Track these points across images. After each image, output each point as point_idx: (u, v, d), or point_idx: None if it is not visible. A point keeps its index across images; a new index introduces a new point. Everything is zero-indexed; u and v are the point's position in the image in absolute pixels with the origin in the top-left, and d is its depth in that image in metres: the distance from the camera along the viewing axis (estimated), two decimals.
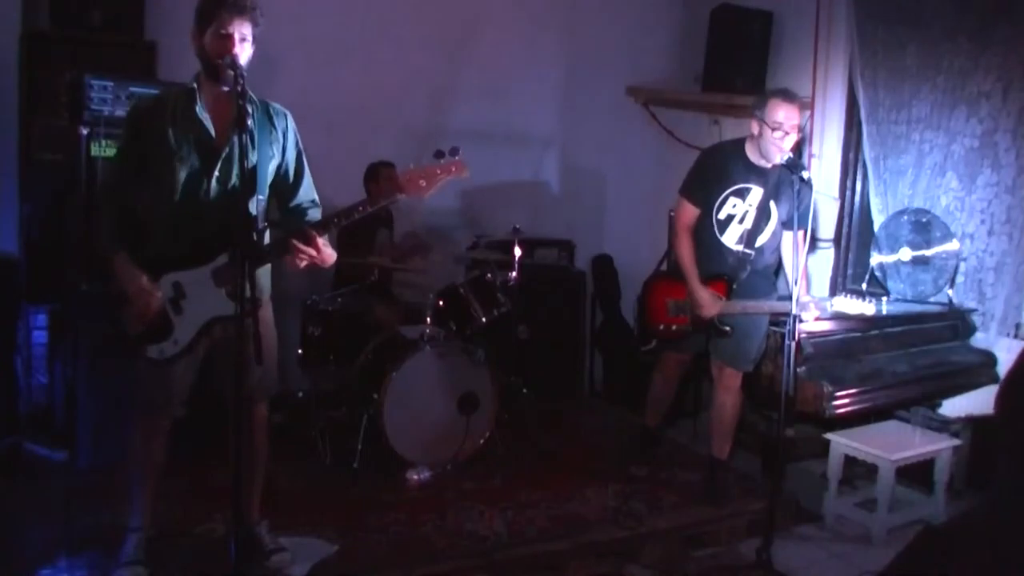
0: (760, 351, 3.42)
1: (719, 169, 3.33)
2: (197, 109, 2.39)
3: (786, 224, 3.26)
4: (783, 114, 3.12)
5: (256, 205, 2.31)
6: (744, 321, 3.31)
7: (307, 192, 2.62)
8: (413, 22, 4.79)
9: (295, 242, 2.33)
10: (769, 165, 3.22)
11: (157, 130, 2.37)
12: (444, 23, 4.90)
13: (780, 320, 3.37)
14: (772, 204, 3.26)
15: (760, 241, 3.30)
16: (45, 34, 3.74)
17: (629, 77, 5.45)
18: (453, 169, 2.40)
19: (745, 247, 3.29)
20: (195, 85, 2.41)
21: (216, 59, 2.30)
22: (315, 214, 2.60)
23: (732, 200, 3.29)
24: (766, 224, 3.29)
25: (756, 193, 3.26)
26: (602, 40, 5.37)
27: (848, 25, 4.55)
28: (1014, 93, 3.81)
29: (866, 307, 3.05)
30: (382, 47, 4.70)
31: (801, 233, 3.04)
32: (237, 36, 2.31)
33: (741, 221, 3.30)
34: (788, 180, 3.13)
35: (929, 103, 4.17)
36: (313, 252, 2.34)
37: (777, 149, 3.12)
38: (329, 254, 2.40)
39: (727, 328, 3.28)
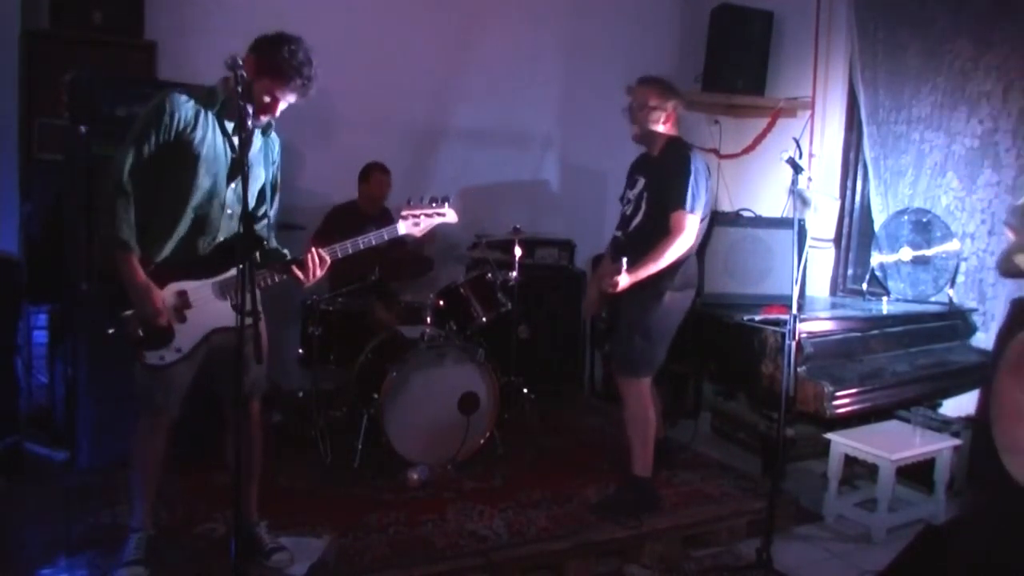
0: (629, 351, 3.23)
1: (630, 168, 3.50)
2: (225, 120, 2.41)
3: (661, 206, 3.18)
4: (629, 96, 3.34)
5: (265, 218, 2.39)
6: (620, 318, 3.29)
7: (274, 214, 2.66)
8: (414, 22, 4.80)
9: (312, 264, 2.47)
10: (655, 153, 3.30)
11: (186, 130, 2.34)
12: (445, 23, 4.90)
13: (781, 320, 3.37)
14: (647, 191, 3.28)
15: (632, 225, 3.30)
16: (45, 34, 3.75)
17: (629, 77, 5.43)
18: (446, 216, 2.71)
19: (623, 233, 3.36)
20: (225, 97, 2.40)
21: (258, 110, 2.36)
22: (272, 237, 2.64)
23: (627, 192, 3.42)
24: (639, 209, 3.29)
25: (640, 182, 3.35)
26: (602, 40, 5.37)
27: (848, 25, 4.55)
28: (1014, 93, 3.81)
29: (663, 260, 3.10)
30: (382, 47, 4.70)
31: (677, 212, 3.10)
32: (283, 103, 2.41)
33: (625, 207, 3.40)
34: (665, 164, 3.23)
35: (929, 103, 4.18)
36: (321, 272, 2.49)
37: (631, 126, 3.30)
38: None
39: (609, 319, 3.46)
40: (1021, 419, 1.60)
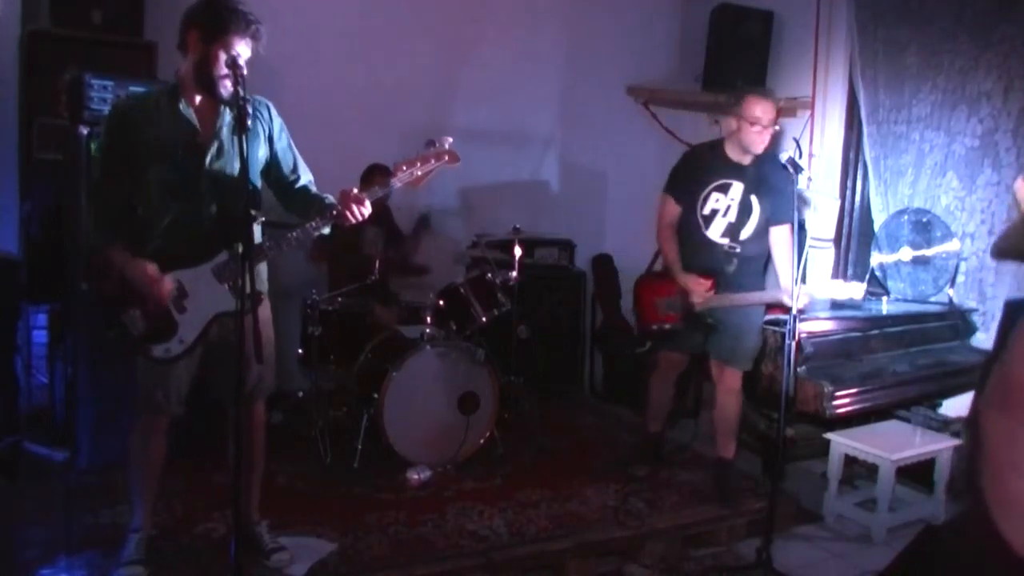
0: (757, 348, 3.43)
1: (700, 167, 3.43)
2: (181, 106, 2.38)
3: (771, 219, 3.34)
4: (760, 110, 3.23)
5: (251, 200, 2.35)
6: (737, 318, 3.33)
7: (306, 175, 2.66)
8: (413, 22, 4.79)
9: (349, 202, 2.42)
10: (747, 161, 3.32)
11: (140, 129, 2.36)
12: (444, 23, 4.90)
13: (781, 320, 3.38)
14: (753, 198, 3.33)
15: (744, 234, 3.35)
16: (45, 34, 3.74)
17: (629, 77, 5.46)
18: (446, 158, 2.52)
19: (730, 240, 3.36)
20: (177, 83, 2.40)
21: (216, 77, 2.31)
22: (315, 190, 2.64)
23: (715, 195, 3.36)
24: (748, 218, 3.34)
25: (737, 188, 3.33)
26: (602, 40, 5.37)
27: (848, 25, 4.55)
28: (1014, 93, 3.81)
29: (855, 289, 3.06)
30: (382, 47, 4.70)
31: (788, 227, 3.25)
32: (242, 58, 2.31)
33: (724, 215, 3.36)
34: (770, 175, 3.27)
35: (929, 103, 4.18)
36: (365, 211, 2.45)
37: (759, 143, 3.26)
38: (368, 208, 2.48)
39: (716, 322, 3.33)
40: (1015, 466, 1.28)
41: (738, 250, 3.35)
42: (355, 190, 2.47)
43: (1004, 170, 3.87)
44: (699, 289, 3.31)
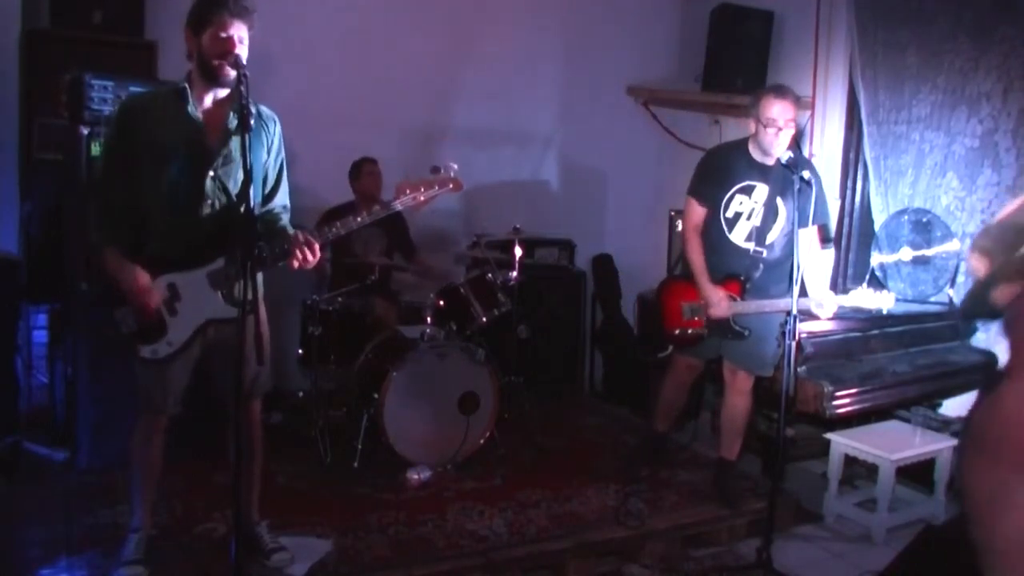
0: (776, 355, 3.31)
1: (724, 168, 3.32)
2: (189, 109, 2.37)
3: (798, 221, 3.18)
4: (776, 110, 3.11)
5: (254, 208, 2.32)
6: (757, 323, 3.24)
7: (282, 197, 2.62)
8: (413, 22, 4.80)
9: (298, 248, 2.35)
10: (772, 162, 3.19)
11: (146, 129, 2.35)
12: (444, 23, 4.90)
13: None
14: (779, 201, 3.23)
15: (770, 238, 3.26)
16: (45, 34, 3.75)
17: (629, 77, 5.46)
18: (450, 185, 2.53)
19: (756, 245, 3.26)
20: (186, 85, 2.39)
21: (215, 61, 2.30)
22: (286, 218, 2.59)
23: (739, 198, 3.27)
24: (774, 221, 3.25)
25: (762, 190, 3.24)
26: (602, 40, 5.38)
27: (848, 25, 4.55)
28: (1014, 93, 3.82)
29: (885, 299, 2.99)
30: (382, 47, 4.71)
31: (805, 231, 3.05)
32: (236, 38, 2.29)
33: (749, 218, 3.26)
34: (794, 178, 3.11)
35: (929, 103, 4.18)
36: (312, 257, 2.37)
37: (776, 145, 3.13)
38: (319, 257, 2.43)
39: (744, 330, 3.24)
40: (1004, 510, 1.31)
41: (764, 255, 3.26)
42: (307, 235, 2.39)
43: (1004, 170, 3.87)
44: (720, 304, 3.21)
